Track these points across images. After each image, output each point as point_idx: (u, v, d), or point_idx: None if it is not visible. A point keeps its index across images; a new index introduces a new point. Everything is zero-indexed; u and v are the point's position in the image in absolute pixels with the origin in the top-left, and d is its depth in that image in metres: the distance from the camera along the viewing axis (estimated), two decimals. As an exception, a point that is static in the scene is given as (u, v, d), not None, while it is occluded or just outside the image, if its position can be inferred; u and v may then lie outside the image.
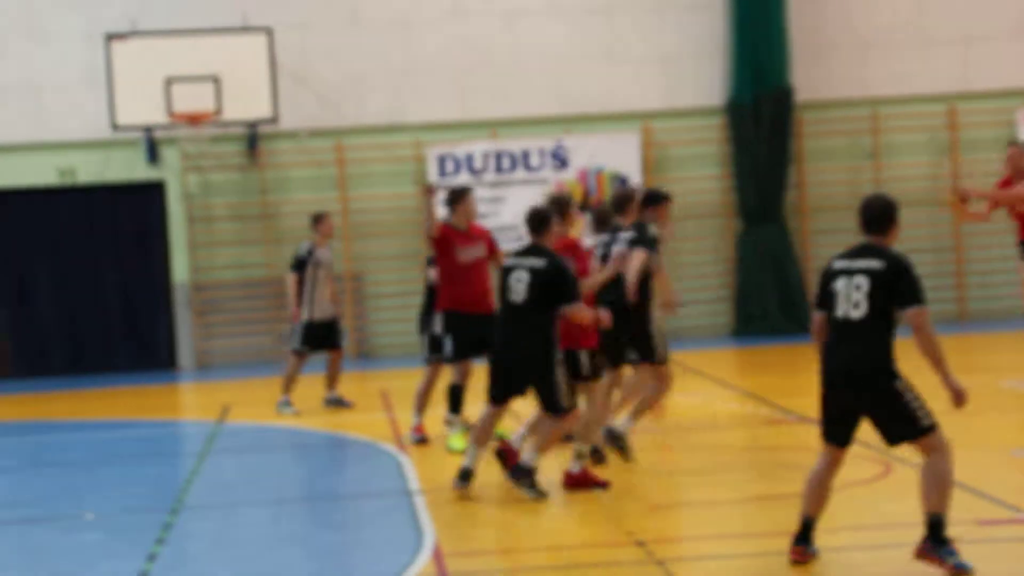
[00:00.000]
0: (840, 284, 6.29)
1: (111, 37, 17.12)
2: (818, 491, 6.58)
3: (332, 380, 12.89)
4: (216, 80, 16.88)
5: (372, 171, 18.37)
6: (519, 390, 8.71)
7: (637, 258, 8.91)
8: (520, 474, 8.49)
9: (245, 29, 17.37)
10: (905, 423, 6.21)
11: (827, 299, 6.43)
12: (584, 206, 17.74)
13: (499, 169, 17.99)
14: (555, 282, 8.22)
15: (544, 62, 18.57)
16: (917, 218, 18.34)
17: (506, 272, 8.50)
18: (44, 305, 18.12)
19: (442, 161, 17.80)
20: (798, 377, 13.33)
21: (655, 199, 9.41)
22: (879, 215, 6.37)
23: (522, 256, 8.49)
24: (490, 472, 9.20)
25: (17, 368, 18.23)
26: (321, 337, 12.93)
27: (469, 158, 17.94)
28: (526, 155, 17.99)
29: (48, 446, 13.45)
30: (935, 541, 6.25)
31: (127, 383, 17.27)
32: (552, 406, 8.40)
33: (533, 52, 18.58)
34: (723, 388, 13.40)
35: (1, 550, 9.04)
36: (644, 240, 9.03)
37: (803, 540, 6.57)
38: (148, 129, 17.42)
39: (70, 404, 15.89)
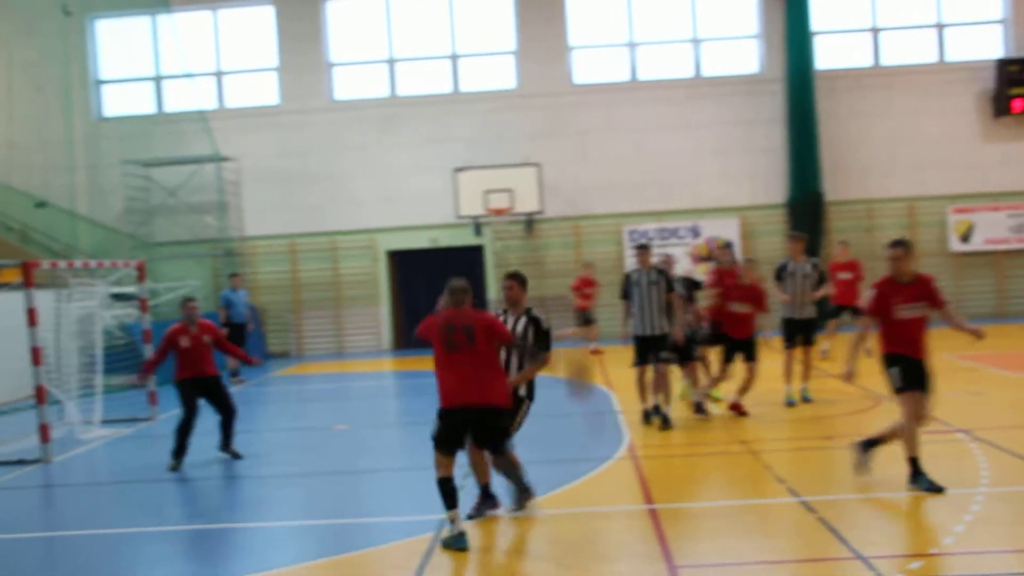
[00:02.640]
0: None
1: (457, 170, 21.80)
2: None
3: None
4: (510, 191, 21.28)
5: (592, 239, 22.69)
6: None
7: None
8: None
9: (526, 164, 21.77)
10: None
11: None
12: (708, 257, 21.27)
13: (663, 238, 22.00)
14: None
15: (686, 178, 22.64)
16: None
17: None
18: (420, 298, 21.62)
19: (631, 233, 22.13)
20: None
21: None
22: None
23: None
24: (676, 409, 11.16)
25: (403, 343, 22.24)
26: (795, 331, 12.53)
27: (645, 232, 22.23)
28: (676, 230, 22.27)
29: (390, 385, 17.10)
30: None
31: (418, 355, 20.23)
32: None
33: (682, 173, 22.54)
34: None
35: (389, 441, 11.39)
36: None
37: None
38: (475, 217, 21.81)
39: (409, 363, 19.63)
